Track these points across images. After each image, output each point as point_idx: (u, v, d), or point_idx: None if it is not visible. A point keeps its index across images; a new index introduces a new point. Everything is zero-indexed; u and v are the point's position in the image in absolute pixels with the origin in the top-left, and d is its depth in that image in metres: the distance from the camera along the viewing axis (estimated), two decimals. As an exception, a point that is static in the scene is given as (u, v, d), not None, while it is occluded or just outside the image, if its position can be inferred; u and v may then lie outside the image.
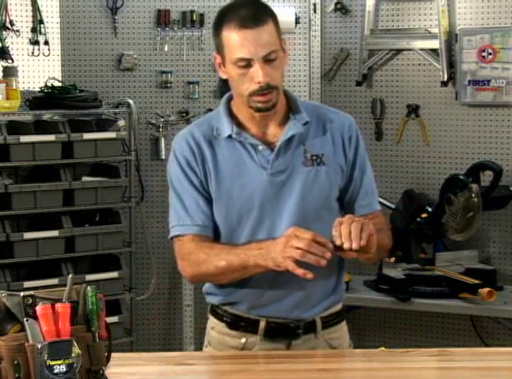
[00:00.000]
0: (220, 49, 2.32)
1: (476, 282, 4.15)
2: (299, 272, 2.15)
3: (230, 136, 2.36)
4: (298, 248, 2.15)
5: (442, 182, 4.36)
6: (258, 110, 2.32)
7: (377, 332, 4.86)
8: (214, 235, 2.39)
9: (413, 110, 4.72)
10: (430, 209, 4.38)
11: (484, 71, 4.49)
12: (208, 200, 2.38)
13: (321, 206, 2.37)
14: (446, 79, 4.55)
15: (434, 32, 4.57)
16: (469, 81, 4.52)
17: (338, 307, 2.49)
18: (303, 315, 2.40)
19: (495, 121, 4.57)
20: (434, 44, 4.56)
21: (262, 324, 2.40)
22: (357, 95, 4.85)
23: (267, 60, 2.26)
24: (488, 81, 4.48)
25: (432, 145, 4.71)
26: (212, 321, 2.50)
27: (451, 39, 4.56)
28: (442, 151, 4.69)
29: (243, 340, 2.42)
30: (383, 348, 2.41)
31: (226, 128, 2.37)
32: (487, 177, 4.29)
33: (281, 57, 2.31)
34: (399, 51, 4.74)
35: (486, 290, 4.06)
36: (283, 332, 2.40)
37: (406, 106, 4.74)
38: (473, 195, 4.12)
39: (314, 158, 2.37)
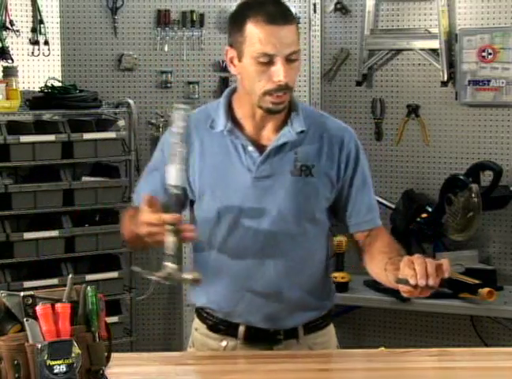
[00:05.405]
0: (237, 42, 2.23)
1: (476, 282, 4.15)
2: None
3: (222, 132, 2.31)
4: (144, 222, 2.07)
5: (442, 182, 4.36)
6: (268, 110, 2.24)
7: (377, 332, 4.85)
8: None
9: (413, 110, 4.72)
10: (430, 209, 4.38)
11: (484, 71, 4.48)
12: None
13: (304, 218, 2.31)
14: (446, 79, 4.55)
15: (434, 32, 4.57)
16: (469, 81, 4.52)
17: (324, 312, 2.43)
18: (282, 325, 2.36)
19: (495, 121, 4.57)
20: (434, 44, 4.56)
21: (241, 328, 2.36)
22: (357, 95, 4.85)
23: (288, 60, 2.18)
24: (488, 81, 4.48)
25: (432, 145, 4.71)
26: (196, 322, 2.47)
27: (451, 39, 4.56)
28: (442, 151, 4.69)
29: (224, 343, 2.38)
30: (383, 348, 2.41)
31: (221, 122, 2.31)
32: (487, 177, 4.29)
33: (299, 60, 2.24)
34: (399, 51, 4.73)
35: (486, 290, 4.07)
36: (263, 338, 2.36)
37: (406, 106, 4.74)
38: (473, 195, 4.12)
39: (303, 168, 2.29)
